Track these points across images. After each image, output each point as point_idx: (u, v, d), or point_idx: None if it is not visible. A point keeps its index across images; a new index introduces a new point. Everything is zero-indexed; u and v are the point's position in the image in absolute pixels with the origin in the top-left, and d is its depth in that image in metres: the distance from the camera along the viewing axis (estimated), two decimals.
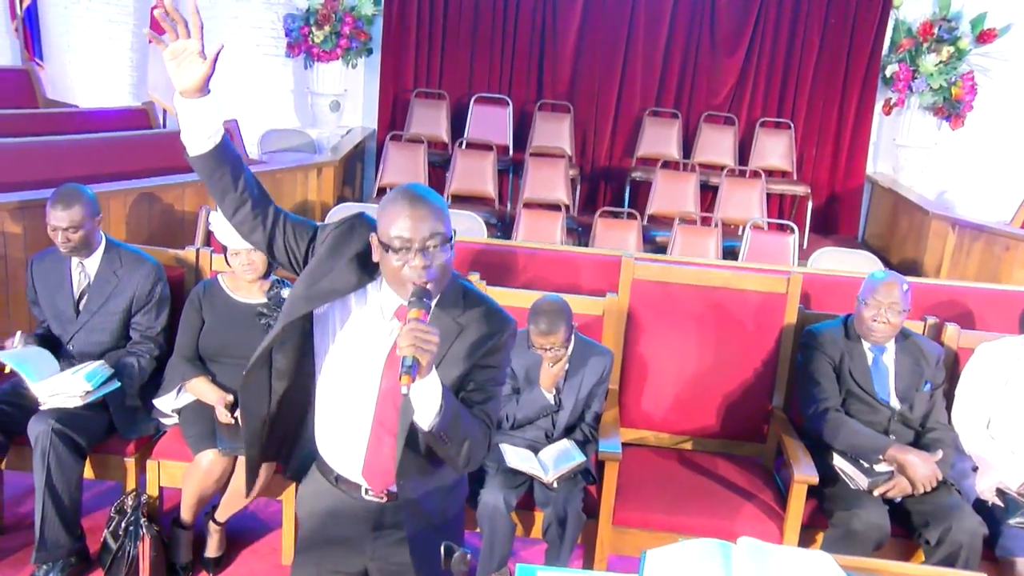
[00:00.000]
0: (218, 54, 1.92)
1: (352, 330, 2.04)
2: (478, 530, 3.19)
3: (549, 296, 3.36)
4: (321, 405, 2.11)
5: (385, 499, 2.10)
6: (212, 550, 3.47)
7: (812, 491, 3.22)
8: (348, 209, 5.64)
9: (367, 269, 2.00)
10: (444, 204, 1.97)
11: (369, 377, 2.02)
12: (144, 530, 3.26)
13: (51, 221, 3.37)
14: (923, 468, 3.14)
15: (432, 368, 1.83)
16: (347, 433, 2.08)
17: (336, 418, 2.09)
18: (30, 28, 8.09)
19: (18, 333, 3.42)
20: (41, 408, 3.25)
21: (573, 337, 3.33)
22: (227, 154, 1.97)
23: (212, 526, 3.45)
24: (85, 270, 3.49)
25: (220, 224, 3.36)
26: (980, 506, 3.24)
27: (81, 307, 3.48)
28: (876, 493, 3.18)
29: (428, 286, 1.88)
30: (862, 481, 3.19)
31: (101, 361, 3.40)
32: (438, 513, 2.15)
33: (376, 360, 2.01)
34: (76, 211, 3.36)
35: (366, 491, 2.11)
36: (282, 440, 2.20)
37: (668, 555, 1.75)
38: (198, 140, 1.94)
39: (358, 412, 2.05)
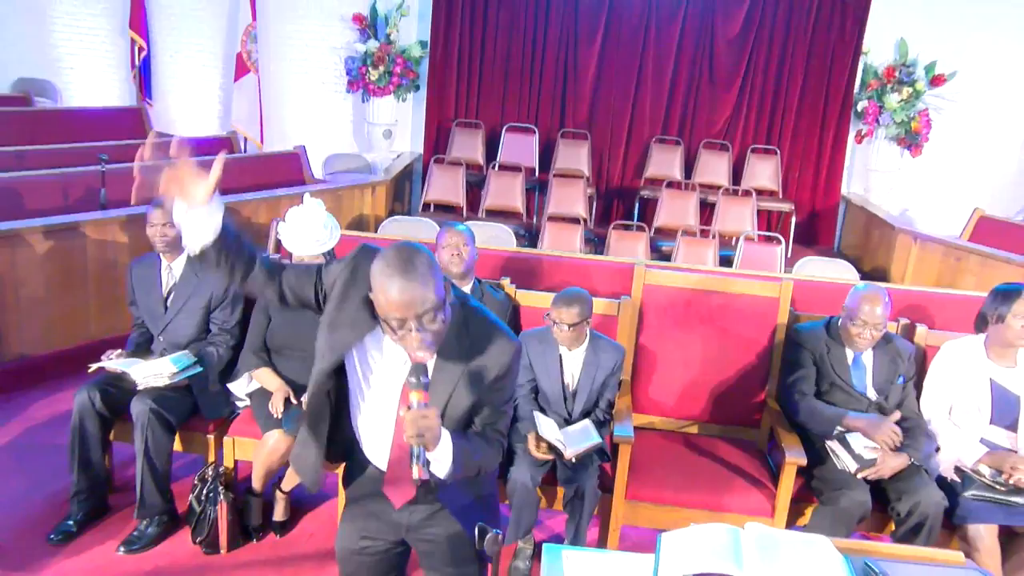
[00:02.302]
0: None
1: (373, 362, 1.89)
2: (507, 502, 3.08)
3: (575, 287, 3.25)
4: (356, 408, 1.98)
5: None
6: (279, 515, 3.40)
7: (801, 471, 3.08)
8: (397, 222, 5.56)
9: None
10: (432, 265, 1.69)
11: (388, 404, 1.87)
12: (222, 496, 3.20)
13: (151, 220, 3.35)
14: (879, 429, 3.03)
15: (439, 438, 1.68)
16: (376, 434, 1.94)
17: (367, 421, 1.96)
18: (144, 74, 8.24)
19: (117, 351, 3.36)
20: (138, 389, 3.20)
21: (589, 333, 3.22)
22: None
23: (279, 494, 3.39)
24: (172, 272, 3.43)
25: (286, 233, 3.28)
26: (941, 482, 3.12)
27: (168, 304, 3.41)
28: (860, 476, 3.03)
29: (426, 359, 1.71)
30: (851, 464, 3.04)
31: (186, 351, 3.35)
32: (465, 494, 1.98)
33: (392, 389, 1.84)
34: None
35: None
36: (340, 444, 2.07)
37: (681, 537, 1.62)
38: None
39: (380, 434, 1.92)
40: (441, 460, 1.73)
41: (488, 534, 1.55)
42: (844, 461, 3.05)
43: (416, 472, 1.63)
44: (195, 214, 1.75)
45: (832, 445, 3.11)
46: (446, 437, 1.72)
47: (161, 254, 3.41)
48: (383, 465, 1.95)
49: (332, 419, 2.00)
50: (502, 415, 1.89)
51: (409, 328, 1.66)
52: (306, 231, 3.26)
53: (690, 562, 1.51)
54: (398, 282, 1.64)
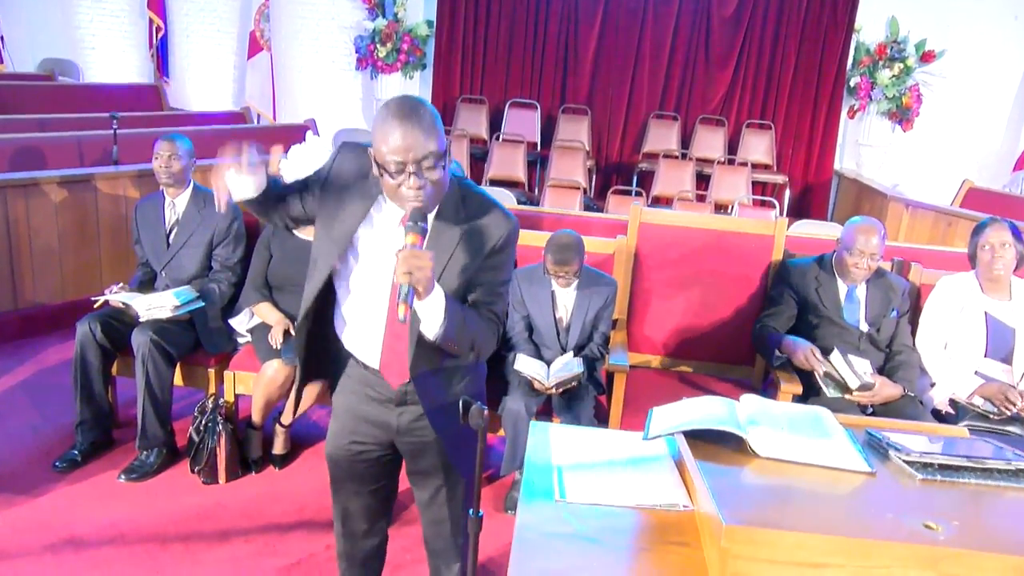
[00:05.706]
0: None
1: (366, 237, 1.74)
2: (502, 433, 2.93)
3: (565, 230, 3.08)
4: (345, 304, 1.81)
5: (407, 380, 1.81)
6: (278, 448, 3.26)
7: None
8: None
9: (369, 188, 1.71)
10: (436, 118, 1.59)
11: (382, 279, 1.72)
12: (220, 427, 3.06)
13: (157, 151, 3.23)
14: (801, 355, 2.91)
15: (432, 288, 1.55)
16: (366, 331, 1.79)
17: (357, 317, 1.80)
18: (161, 53, 8.14)
19: (120, 284, 3.23)
20: (140, 321, 3.08)
21: (582, 269, 3.06)
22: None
23: (278, 428, 3.25)
24: (175, 208, 3.29)
25: (288, 168, 3.13)
26: (936, 414, 2.98)
27: (171, 240, 3.28)
28: (855, 394, 2.86)
29: (423, 206, 1.58)
30: (852, 381, 2.85)
31: (189, 286, 3.22)
32: (451, 395, 1.83)
33: (387, 263, 1.69)
34: (178, 144, 3.24)
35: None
36: (321, 355, 1.91)
37: (674, 407, 1.47)
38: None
39: (375, 312, 1.76)
40: (432, 315, 1.59)
41: (472, 406, 1.40)
42: (846, 377, 2.87)
43: (401, 311, 1.48)
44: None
45: (835, 359, 2.93)
46: (439, 292, 1.58)
47: (164, 189, 3.27)
48: (374, 363, 1.81)
49: (316, 338, 1.87)
50: (498, 296, 1.75)
51: (408, 173, 1.55)
52: (308, 167, 3.11)
53: (683, 424, 1.36)
54: (401, 125, 1.53)
